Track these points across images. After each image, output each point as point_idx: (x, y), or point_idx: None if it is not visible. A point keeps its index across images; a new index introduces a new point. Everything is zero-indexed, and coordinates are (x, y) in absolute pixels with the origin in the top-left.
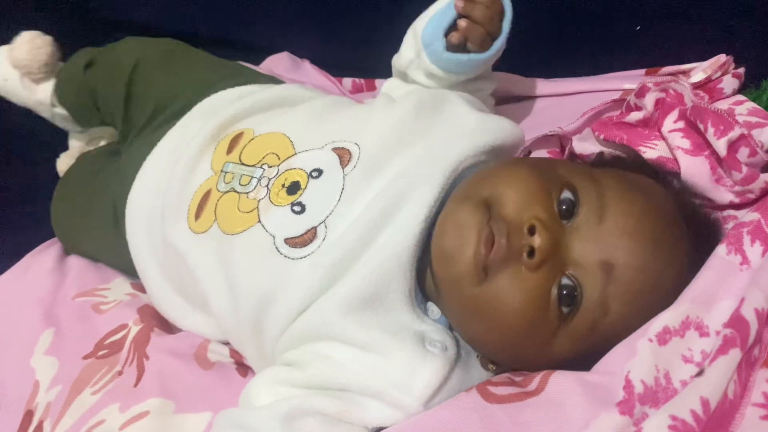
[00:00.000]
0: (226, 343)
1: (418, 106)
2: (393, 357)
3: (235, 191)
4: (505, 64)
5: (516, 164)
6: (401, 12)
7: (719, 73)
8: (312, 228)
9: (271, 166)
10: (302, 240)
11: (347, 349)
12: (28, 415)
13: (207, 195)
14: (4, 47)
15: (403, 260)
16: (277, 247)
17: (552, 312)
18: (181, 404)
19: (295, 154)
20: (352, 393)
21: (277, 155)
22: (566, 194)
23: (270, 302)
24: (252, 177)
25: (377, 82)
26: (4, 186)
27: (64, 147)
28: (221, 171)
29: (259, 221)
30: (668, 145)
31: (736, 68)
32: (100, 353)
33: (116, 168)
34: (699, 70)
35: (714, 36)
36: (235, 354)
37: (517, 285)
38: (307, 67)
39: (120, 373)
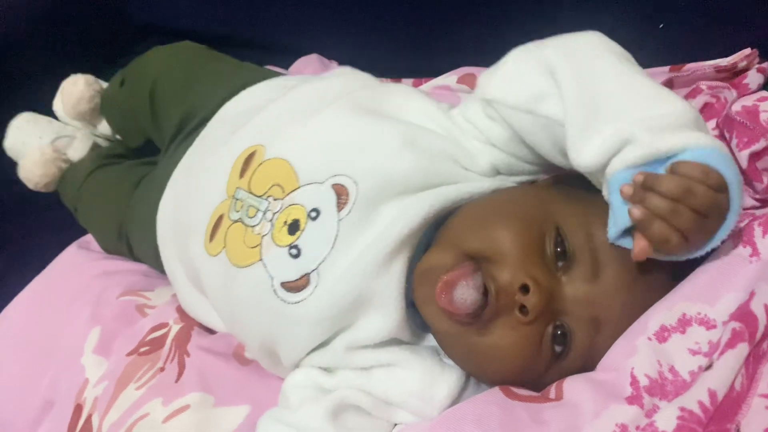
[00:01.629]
0: None
1: (438, 154)
2: (414, 369)
3: (243, 223)
4: None
5: (506, 214)
6: (428, 12)
7: (745, 63)
8: (305, 274)
9: (276, 199)
10: (296, 285)
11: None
12: (78, 409)
13: (220, 219)
14: (58, 104)
15: (400, 313)
16: (274, 290)
17: (545, 352)
18: (220, 398)
19: (299, 187)
20: (377, 398)
21: (282, 188)
22: (559, 239)
23: (273, 344)
24: (258, 210)
25: (403, 81)
26: None
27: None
28: (233, 197)
29: (261, 259)
30: None
31: (760, 63)
32: (142, 350)
33: (152, 179)
34: (723, 62)
35: (738, 31)
36: None
37: (511, 335)
38: (335, 69)
39: (162, 369)
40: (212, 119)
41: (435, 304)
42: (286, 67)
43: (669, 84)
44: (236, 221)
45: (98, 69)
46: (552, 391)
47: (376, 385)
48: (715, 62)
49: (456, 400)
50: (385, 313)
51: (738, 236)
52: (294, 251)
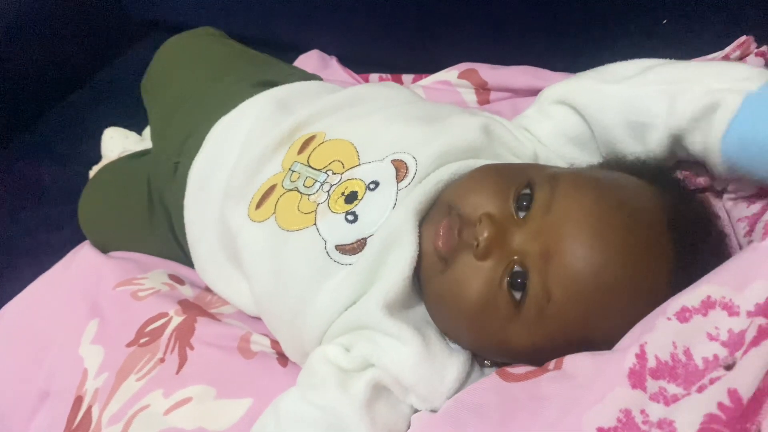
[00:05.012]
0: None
1: (479, 147)
2: (424, 351)
3: (299, 191)
4: (531, 58)
5: (482, 169)
6: (428, 8)
7: (738, 53)
8: (362, 238)
9: (334, 173)
10: (351, 248)
11: (388, 339)
12: (78, 400)
13: (272, 189)
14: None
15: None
16: (327, 252)
17: (503, 297)
18: (222, 390)
19: (359, 165)
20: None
21: (342, 163)
22: (525, 191)
23: (315, 295)
24: (316, 181)
25: (404, 77)
26: (46, 184)
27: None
28: (289, 169)
29: (315, 224)
30: None
31: (758, 47)
32: (142, 341)
33: (148, 156)
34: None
35: (741, 25)
36: (276, 345)
37: (469, 272)
38: (334, 65)
39: (162, 360)
40: (255, 96)
41: (424, 249)
42: (287, 62)
43: None
44: (291, 190)
45: (98, 66)
46: (551, 363)
47: (388, 363)
48: (709, 57)
49: (463, 385)
50: (404, 265)
51: (766, 234)
52: (350, 217)
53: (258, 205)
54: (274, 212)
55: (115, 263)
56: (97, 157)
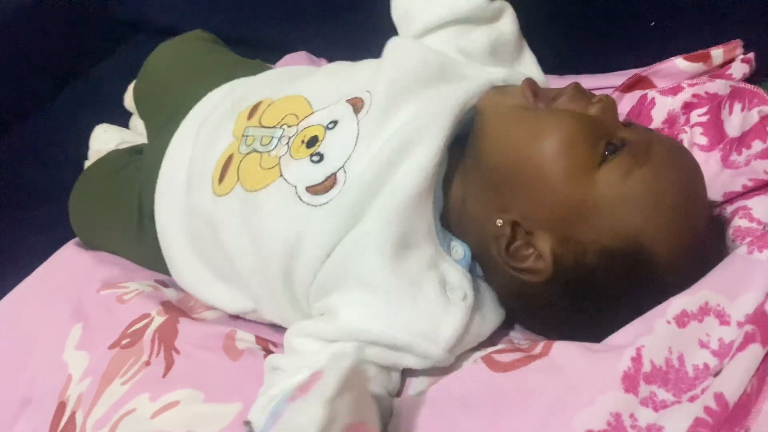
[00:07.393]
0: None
1: (425, 60)
2: (418, 307)
3: (257, 151)
4: None
5: None
6: None
7: (720, 50)
8: (331, 174)
9: (290, 126)
10: (323, 187)
11: (376, 298)
12: (61, 406)
13: (230, 159)
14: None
15: (423, 198)
16: (299, 196)
17: (596, 150)
18: (210, 394)
19: (313, 113)
20: (382, 346)
21: (296, 115)
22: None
23: (297, 249)
24: (272, 137)
25: None
26: (31, 186)
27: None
28: (242, 135)
29: (281, 175)
30: (689, 140)
31: (745, 54)
32: (124, 342)
33: (141, 163)
34: None
35: (729, 30)
36: (261, 341)
37: (575, 115)
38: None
39: (147, 363)
40: (208, 94)
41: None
42: (274, 63)
43: (647, 79)
44: (249, 153)
45: (83, 67)
46: (539, 347)
47: (381, 327)
48: (691, 54)
49: (461, 339)
50: (408, 194)
51: (750, 244)
52: (316, 157)
53: (220, 180)
54: (238, 179)
55: (100, 267)
56: (84, 159)
